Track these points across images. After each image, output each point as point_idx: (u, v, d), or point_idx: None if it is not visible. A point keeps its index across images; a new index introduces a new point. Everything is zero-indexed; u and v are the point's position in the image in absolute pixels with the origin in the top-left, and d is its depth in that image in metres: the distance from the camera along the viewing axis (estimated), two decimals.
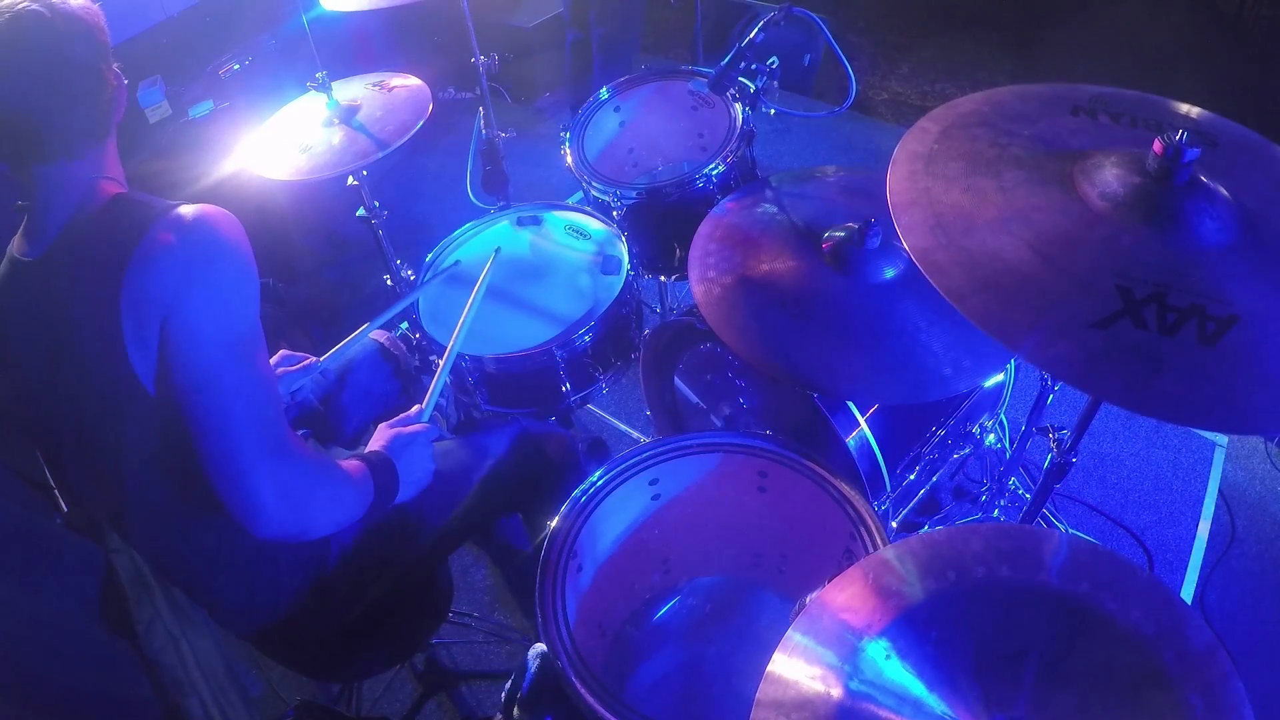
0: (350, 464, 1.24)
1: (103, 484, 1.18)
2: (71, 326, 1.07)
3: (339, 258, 2.98)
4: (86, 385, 1.09)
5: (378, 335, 1.77)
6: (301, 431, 1.51)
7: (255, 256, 1.10)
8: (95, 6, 1.11)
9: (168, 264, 1.02)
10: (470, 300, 1.68)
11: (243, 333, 1.08)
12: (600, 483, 1.36)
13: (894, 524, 1.71)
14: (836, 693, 0.80)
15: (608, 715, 1.08)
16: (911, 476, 1.65)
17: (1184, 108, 1.20)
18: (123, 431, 1.10)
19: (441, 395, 2.04)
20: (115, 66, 1.13)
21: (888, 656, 0.83)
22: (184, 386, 1.03)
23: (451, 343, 1.58)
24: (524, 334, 1.74)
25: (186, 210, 1.06)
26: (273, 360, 1.54)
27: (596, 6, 3.20)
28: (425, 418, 1.43)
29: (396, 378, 1.76)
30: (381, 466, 1.28)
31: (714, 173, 1.90)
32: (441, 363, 1.54)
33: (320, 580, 1.31)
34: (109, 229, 1.07)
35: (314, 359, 1.60)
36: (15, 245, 1.14)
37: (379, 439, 1.36)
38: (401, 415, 1.42)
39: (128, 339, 1.02)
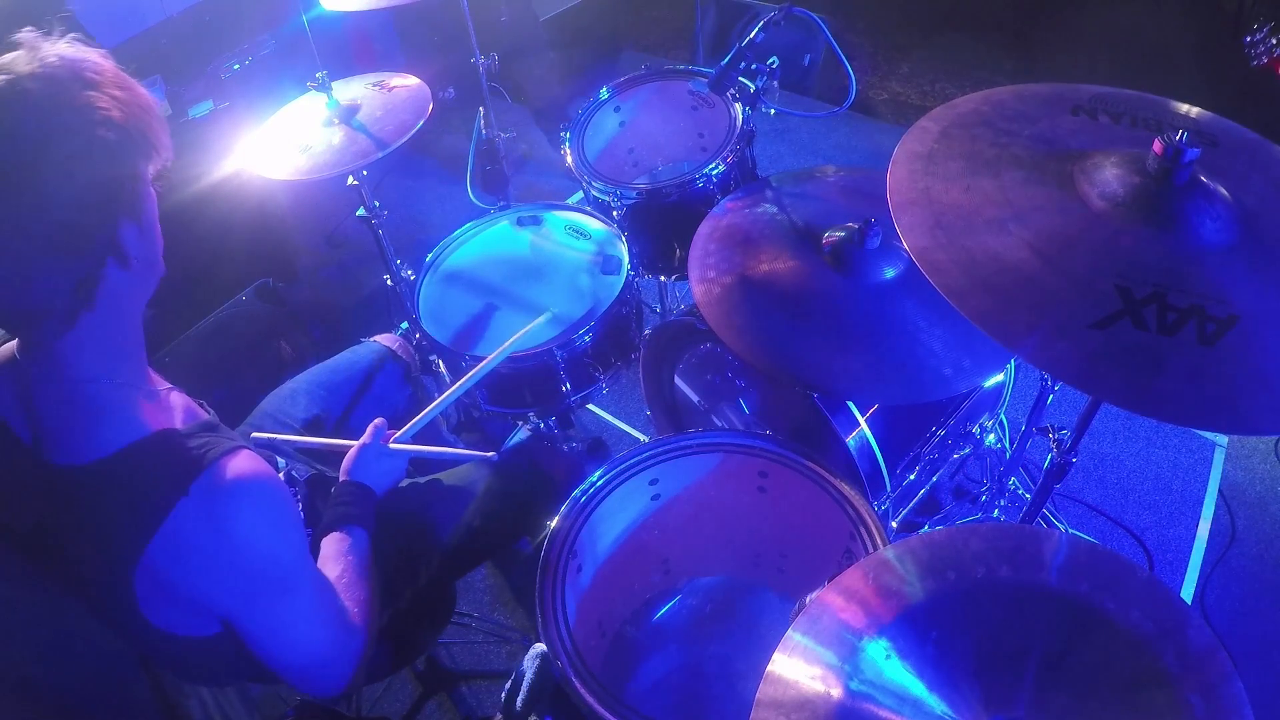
0: (333, 541, 1.24)
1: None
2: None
3: (339, 258, 2.98)
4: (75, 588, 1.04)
5: (388, 340, 1.77)
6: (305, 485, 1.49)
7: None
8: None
9: (211, 570, 0.94)
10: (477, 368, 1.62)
11: (305, 579, 1.06)
12: (600, 483, 1.36)
13: (894, 524, 1.71)
14: (836, 693, 0.80)
15: (607, 715, 1.08)
16: (911, 476, 1.65)
17: (1184, 108, 1.20)
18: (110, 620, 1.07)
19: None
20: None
21: (888, 656, 0.83)
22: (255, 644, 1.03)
23: (452, 388, 1.57)
24: (524, 334, 1.74)
25: (212, 490, 0.92)
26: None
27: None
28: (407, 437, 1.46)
29: (407, 383, 1.76)
30: (357, 500, 1.30)
31: (714, 173, 1.90)
32: (438, 400, 1.54)
33: None
34: (128, 496, 0.92)
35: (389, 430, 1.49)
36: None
37: (344, 466, 1.37)
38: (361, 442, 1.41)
39: (142, 605, 0.95)
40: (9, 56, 0.82)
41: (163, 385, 1.09)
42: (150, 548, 0.90)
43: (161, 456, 0.94)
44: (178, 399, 1.09)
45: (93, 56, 0.86)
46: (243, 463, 0.96)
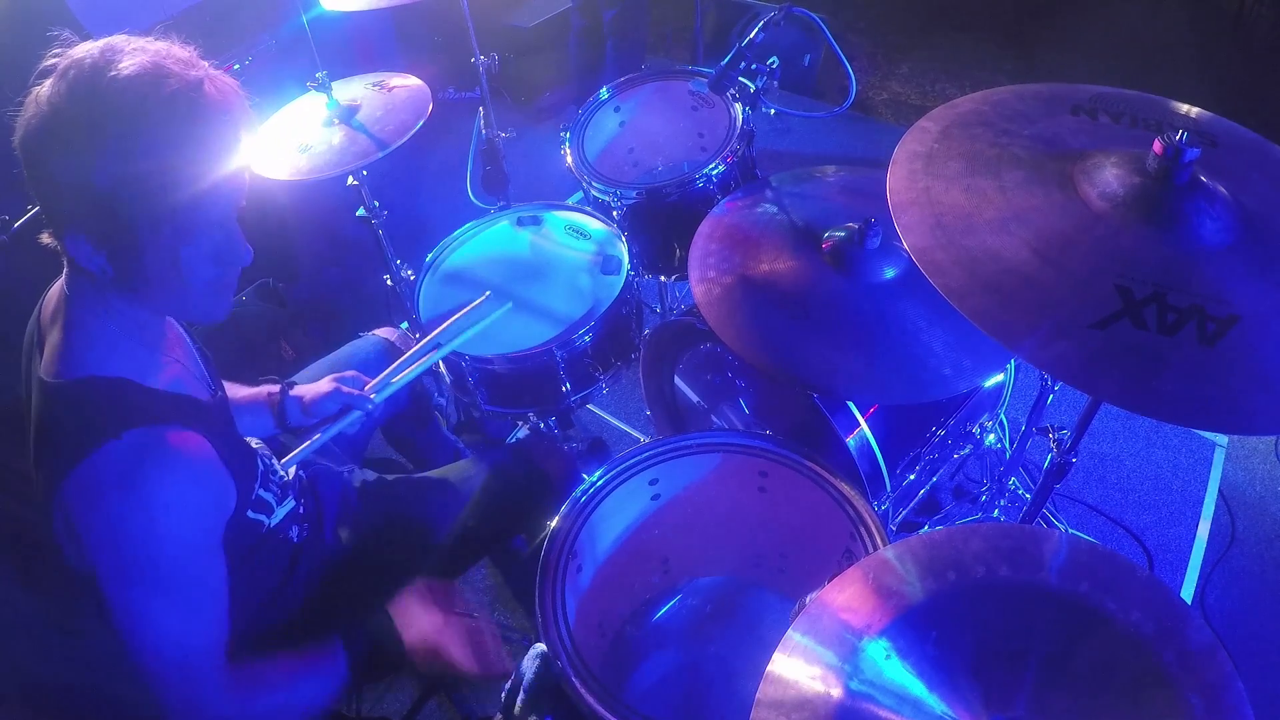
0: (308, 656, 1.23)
1: None
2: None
3: (339, 258, 2.98)
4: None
5: (389, 334, 1.77)
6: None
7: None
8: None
9: (101, 514, 0.92)
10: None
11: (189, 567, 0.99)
12: (600, 483, 1.36)
13: (894, 524, 1.71)
14: (836, 693, 0.80)
15: (608, 715, 1.08)
16: (911, 476, 1.65)
17: (1184, 108, 1.20)
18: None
19: (441, 395, 2.04)
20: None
21: (888, 656, 0.83)
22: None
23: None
24: (524, 334, 1.74)
25: (143, 448, 0.93)
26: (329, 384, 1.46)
27: None
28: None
29: None
30: None
31: (714, 173, 1.90)
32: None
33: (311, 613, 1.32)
34: (71, 420, 0.95)
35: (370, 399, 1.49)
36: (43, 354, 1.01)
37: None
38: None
39: (59, 534, 0.96)
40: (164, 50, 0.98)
41: (172, 356, 1.09)
42: (71, 477, 0.91)
43: (113, 397, 0.96)
44: (177, 372, 1.08)
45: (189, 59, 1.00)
46: (192, 442, 0.96)
